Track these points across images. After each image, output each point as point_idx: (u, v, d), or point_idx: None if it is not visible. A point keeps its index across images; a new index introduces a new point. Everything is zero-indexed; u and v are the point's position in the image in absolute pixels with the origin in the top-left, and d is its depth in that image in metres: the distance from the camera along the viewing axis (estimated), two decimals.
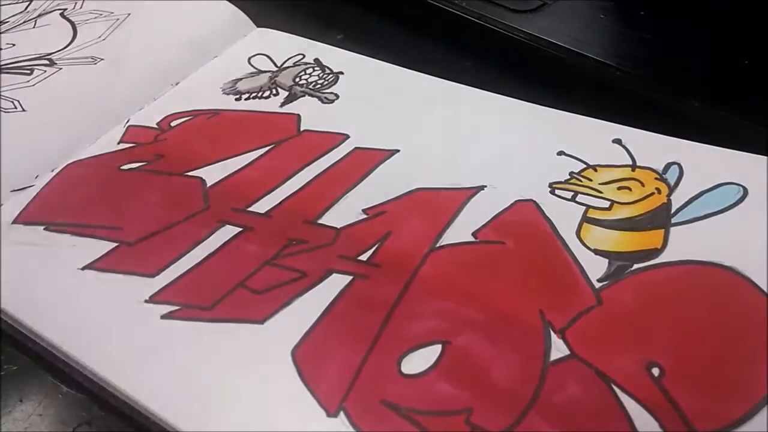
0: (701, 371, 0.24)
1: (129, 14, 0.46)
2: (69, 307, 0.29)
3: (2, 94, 0.40)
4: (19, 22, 0.46)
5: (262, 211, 0.32)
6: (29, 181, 0.35)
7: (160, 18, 0.46)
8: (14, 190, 0.35)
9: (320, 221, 0.31)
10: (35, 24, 0.46)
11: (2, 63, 0.42)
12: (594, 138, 0.34)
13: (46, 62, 0.43)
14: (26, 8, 0.48)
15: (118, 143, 0.37)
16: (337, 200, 0.32)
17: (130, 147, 0.37)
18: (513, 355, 0.25)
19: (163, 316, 0.28)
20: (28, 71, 0.42)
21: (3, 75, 0.41)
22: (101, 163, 0.36)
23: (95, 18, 0.46)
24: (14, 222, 0.33)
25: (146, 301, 0.29)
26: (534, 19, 0.41)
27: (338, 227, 0.31)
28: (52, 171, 0.35)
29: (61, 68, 0.42)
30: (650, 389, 0.24)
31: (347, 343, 0.26)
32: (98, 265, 0.30)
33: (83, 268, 0.30)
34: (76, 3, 0.48)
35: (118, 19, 0.46)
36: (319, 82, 0.40)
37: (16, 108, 0.39)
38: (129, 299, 0.29)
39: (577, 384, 0.24)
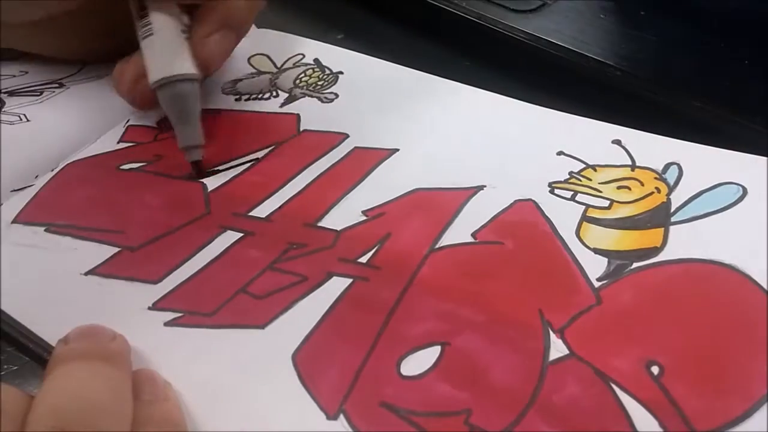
0: (701, 369, 0.24)
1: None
2: (71, 313, 0.28)
3: (10, 110, 0.40)
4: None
5: (263, 216, 0.32)
6: (29, 181, 0.35)
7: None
8: (14, 190, 0.34)
9: (320, 224, 0.31)
10: None
11: (14, 88, 0.42)
12: (593, 138, 0.34)
13: (56, 85, 0.43)
14: None
15: (118, 143, 0.37)
16: (337, 202, 0.32)
17: (129, 146, 0.37)
18: (512, 355, 0.25)
19: (166, 323, 0.28)
20: (38, 93, 0.42)
21: (14, 97, 0.41)
22: (101, 163, 0.36)
23: None
24: (14, 222, 0.33)
25: (150, 308, 0.28)
26: (534, 19, 0.41)
27: (338, 229, 0.31)
28: (52, 171, 0.35)
29: (68, 87, 0.42)
30: (650, 388, 0.24)
31: (347, 345, 0.26)
32: (101, 270, 0.30)
33: (86, 274, 0.30)
34: None
35: None
36: (319, 83, 0.40)
37: (21, 120, 0.39)
38: (133, 306, 0.29)
39: (576, 383, 0.24)
